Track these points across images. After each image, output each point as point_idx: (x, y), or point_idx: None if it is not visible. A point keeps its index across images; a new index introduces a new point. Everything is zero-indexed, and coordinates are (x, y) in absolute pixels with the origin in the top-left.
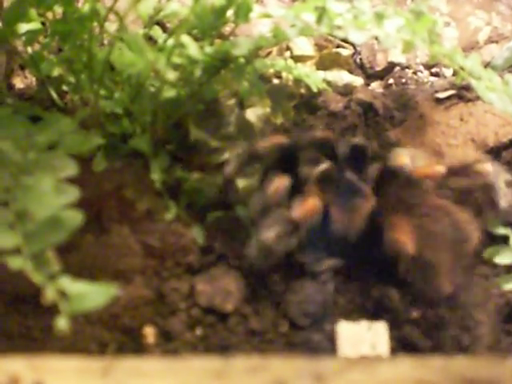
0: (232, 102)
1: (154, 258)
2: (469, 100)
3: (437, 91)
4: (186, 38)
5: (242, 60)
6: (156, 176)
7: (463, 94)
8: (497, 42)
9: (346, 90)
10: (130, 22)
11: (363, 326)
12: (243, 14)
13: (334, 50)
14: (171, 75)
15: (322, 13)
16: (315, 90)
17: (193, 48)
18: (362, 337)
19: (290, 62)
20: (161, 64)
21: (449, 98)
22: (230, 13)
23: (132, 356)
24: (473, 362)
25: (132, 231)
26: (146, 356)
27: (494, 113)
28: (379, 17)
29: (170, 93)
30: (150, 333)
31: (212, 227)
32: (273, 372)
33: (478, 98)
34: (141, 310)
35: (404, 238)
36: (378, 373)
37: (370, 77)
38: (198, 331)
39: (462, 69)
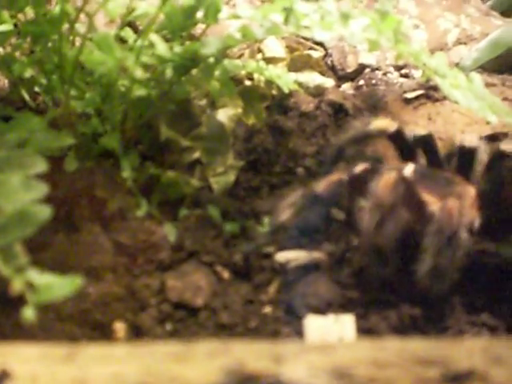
0: (204, 102)
1: (125, 256)
2: (436, 100)
3: (405, 92)
4: (154, 37)
5: (211, 60)
6: (126, 174)
7: (431, 94)
8: (465, 43)
9: (318, 92)
10: (102, 25)
11: (330, 318)
12: (212, 14)
13: (306, 52)
14: (140, 73)
15: (289, 13)
16: (286, 91)
17: (161, 47)
18: (329, 329)
19: (262, 63)
20: (130, 62)
21: (417, 98)
22: (200, 14)
23: (96, 343)
24: (429, 343)
25: (103, 229)
26: (109, 342)
27: (461, 112)
28: (345, 17)
29: (140, 92)
30: (120, 328)
31: (184, 224)
32: (233, 355)
33: (445, 97)
34: (111, 306)
35: None
36: (336, 355)
37: (340, 78)
38: (168, 326)
39: (427, 68)
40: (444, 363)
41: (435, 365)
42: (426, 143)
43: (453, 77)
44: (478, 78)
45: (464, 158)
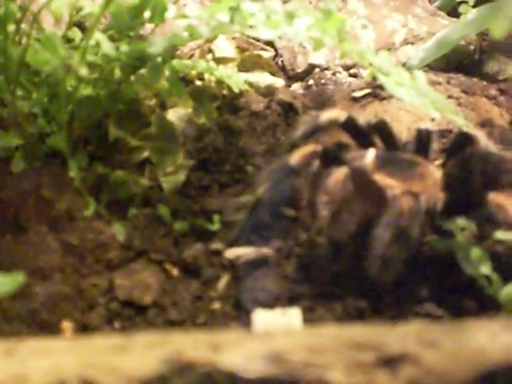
0: (153, 102)
1: (74, 256)
2: (383, 98)
3: (354, 91)
4: (100, 36)
5: (158, 59)
6: (74, 174)
7: (378, 92)
8: (412, 43)
9: (268, 91)
10: (51, 25)
11: (278, 312)
12: (159, 14)
13: (256, 52)
14: (84, 72)
15: (235, 12)
16: (237, 90)
17: (106, 46)
18: (277, 323)
19: (212, 63)
20: (74, 61)
21: (365, 96)
22: (148, 14)
23: (36, 337)
24: (365, 329)
25: (51, 230)
26: (50, 337)
27: (407, 110)
28: (290, 16)
29: (86, 91)
30: (67, 327)
31: (133, 224)
32: (172, 345)
33: (392, 96)
34: (59, 305)
35: None
36: (273, 342)
37: (291, 78)
38: (117, 324)
39: (372, 66)
40: (379, 347)
41: (370, 349)
42: (382, 129)
43: (397, 75)
44: (421, 76)
45: (421, 141)
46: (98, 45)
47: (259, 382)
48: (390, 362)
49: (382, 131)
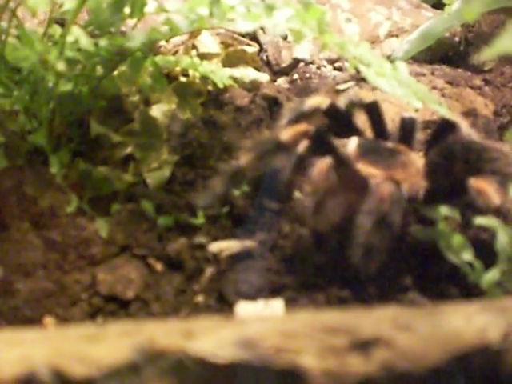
0: (137, 98)
1: (56, 252)
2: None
3: (338, 83)
4: (78, 32)
5: (138, 54)
6: (55, 170)
7: (362, 84)
8: (397, 35)
9: (253, 86)
10: (36, 24)
11: (260, 304)
12: (138, 9)
13: (240, 47)
14: (62, 67)
15: (214, 6)
16: (221, 86)
17: (84, 41)
18: (260, 314)
19: (196, 59)
20: (52, 56)
21: (349, 89)
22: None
23: (10, 329)
24: (339, 314)
25: (33, 227)
26: (23, 328)
27: (391, 101)
28: (270, 8)
29: (66, 87)
30: (49, 323)
31: (116, 219)
32: (145, 334)
33: (376, 88)
34: (41, 301)
35: None
36: (247, 329)
37: (276, 73)
38: (100, 319)
39: (353, 57)
40: (352, 332)
41: (344, 333)
42: (371, 111)
43: (378, 65)
44: (403, 67)
45: (405, 129)
46: (78, 41)
47: (229, 367)
48: (364, 346)
49: (372, 112)
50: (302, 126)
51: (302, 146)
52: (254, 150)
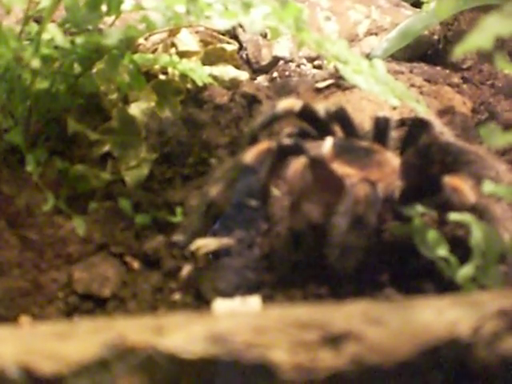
0: (115, 96)
1: (32, 251)
2: (346, 88)
3: (317, 81)
4: (53, 29)
5: (115, 51)
6: (31, 168)
7: (341, 83)
8: (376, 34)
9: (233, 85)
10: (14, 22)
11: (237, 301)
12: (115, 6)
13: (220, 45)
14: (37, 64)
15: (191, 3)
16: (200, 84)
17: (59, 38)
18: (237, 311)
19: (175, 57)
20: (27, 53)
21: (328, 87)
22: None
23: None
24: (311, 309)
25: (9, 225)
26: None
27: (370, 99)
28: (246, 5)
29: (42, 85)
30: (25, 321)
31: (93, 218)
32: (115, 330)
33: (354, 86)
34: (17, 300)
35: None
36: (218, 324)
37: (255, 71)
38: (76, 318)
39: (330, 55)
40: (323, 326)
41: (315, 328)
42: (342, 116)
43: (355, 63)
44: (380, 64)
45: (379, 128)
46: (48, 36)
47: (199, 362)
48: (334, 340)
49: (341, 119)
50: (264, 144)
51: (267, 165)
52: (221, 179)
